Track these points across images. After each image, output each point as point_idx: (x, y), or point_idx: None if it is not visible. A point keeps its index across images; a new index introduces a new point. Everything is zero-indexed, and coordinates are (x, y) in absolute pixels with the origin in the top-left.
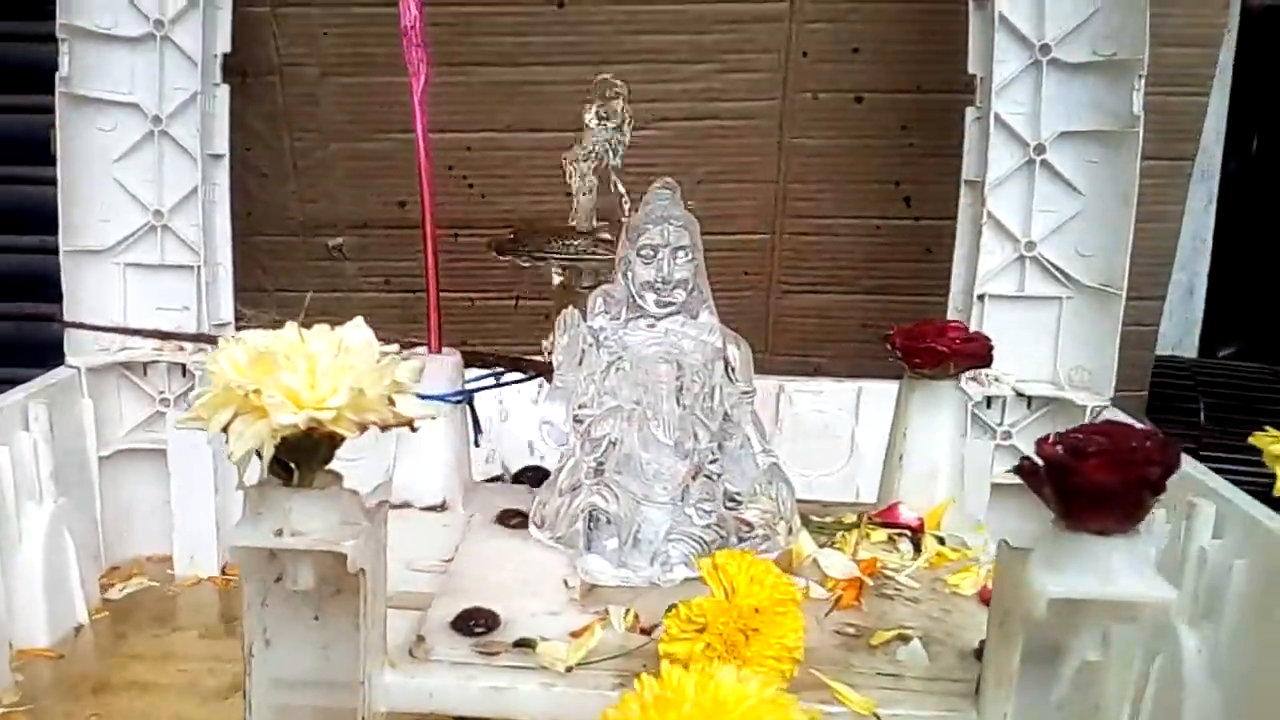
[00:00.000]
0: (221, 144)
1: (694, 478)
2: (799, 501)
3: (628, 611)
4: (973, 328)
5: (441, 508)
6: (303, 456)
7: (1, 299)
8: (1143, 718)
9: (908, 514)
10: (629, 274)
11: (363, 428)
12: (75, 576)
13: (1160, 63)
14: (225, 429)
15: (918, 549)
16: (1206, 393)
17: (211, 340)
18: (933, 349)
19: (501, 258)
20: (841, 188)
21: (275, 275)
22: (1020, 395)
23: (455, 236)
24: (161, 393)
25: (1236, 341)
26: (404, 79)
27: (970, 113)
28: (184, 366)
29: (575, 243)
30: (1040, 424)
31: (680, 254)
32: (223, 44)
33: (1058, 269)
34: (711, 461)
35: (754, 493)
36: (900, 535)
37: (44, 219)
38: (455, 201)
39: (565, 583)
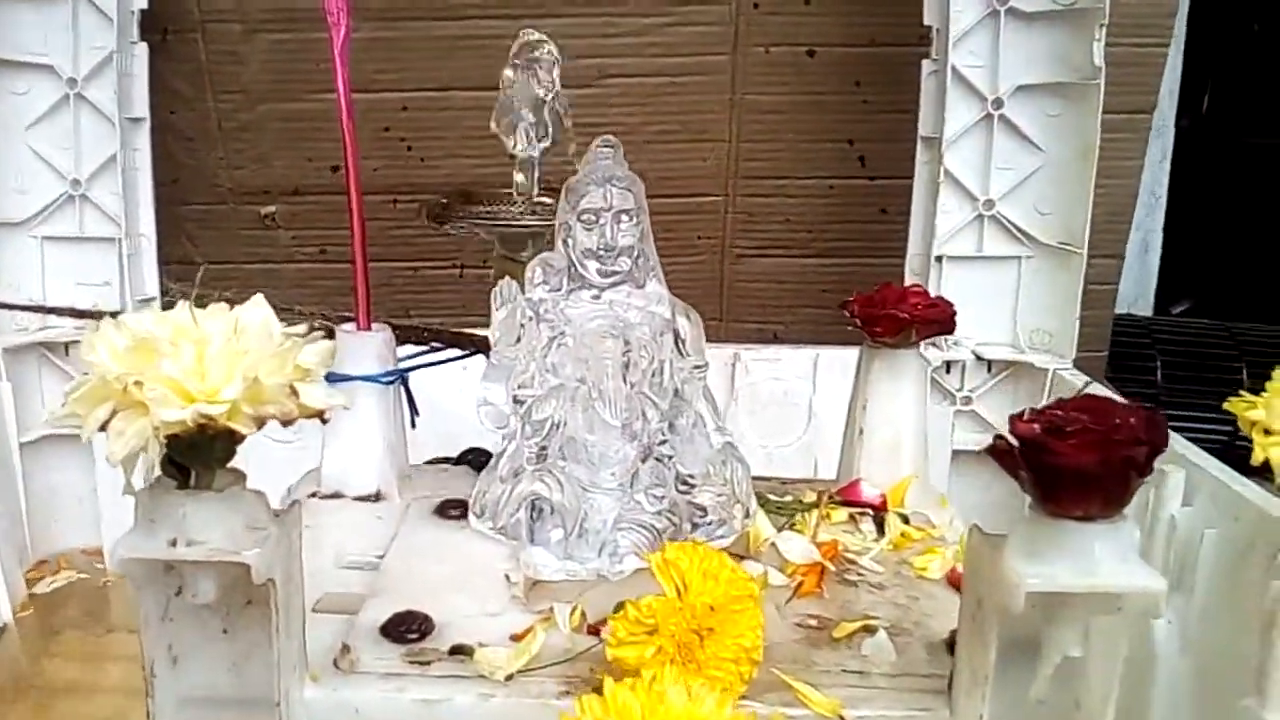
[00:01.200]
0: (141, 107)
1: (643, 461)
2: (756, 479)
3: (574, 609)
4: (931, 290)
5: (376, 498)
6: (198, 456)
7: None
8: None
9: (869, 491)
10: (569, 241)
11: (261, 422)
12: None
13: (1118, 12)
14: (104, 427)
15: (881, 529)
16: (1164, 351)
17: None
18: (893, 316)
19: (437, 225)
20: (795, 146)
21: (204, 246)
22: (980, 359)
23: (394, 202)
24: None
25: (1189, 298)
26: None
27: (926, 65)
28: None
29: (511, 208)
30: (1001, 388)
31: (624, 218)
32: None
33: (1017, 228)
34: (661, 443)
35: (708, 474)
36: (862, 514)
37: None
38: (393, 165)
39: (507, 578)
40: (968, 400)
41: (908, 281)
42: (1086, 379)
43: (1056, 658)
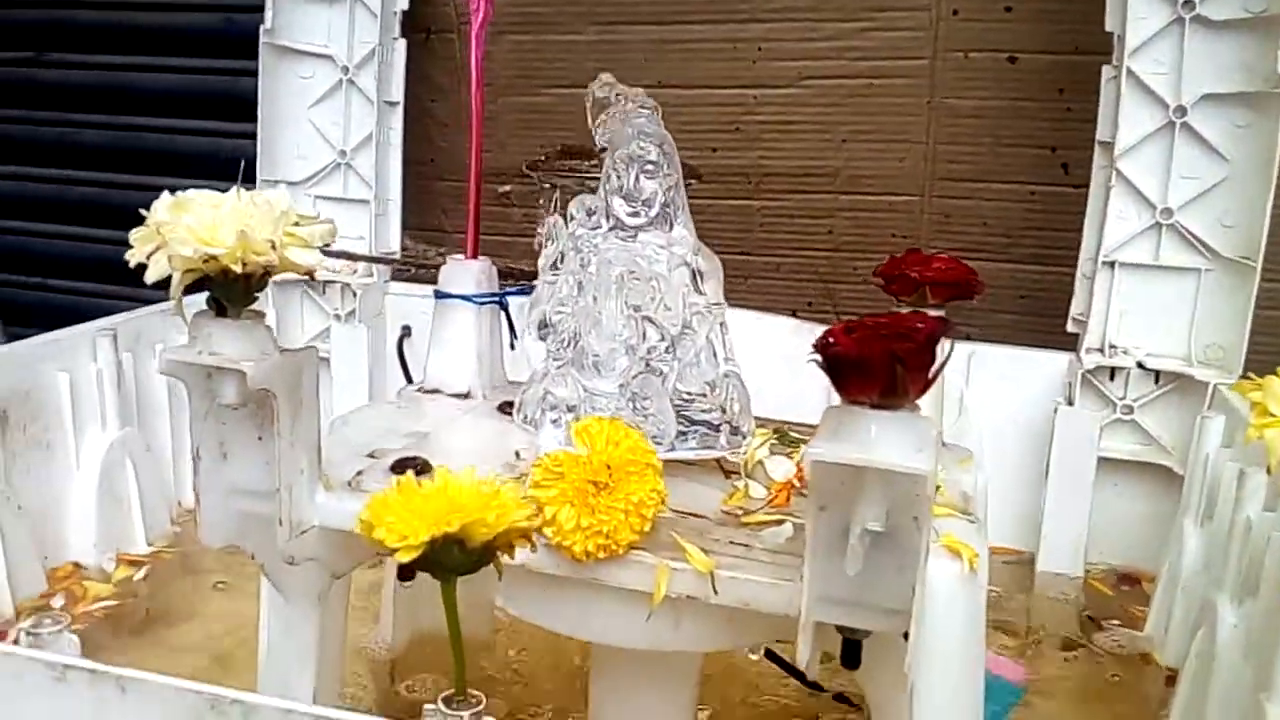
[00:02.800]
0: (397, 92)
1: (637, 373)
2: (791, 423)
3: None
4: (1100, 296)
5: (466, 396)
6: (227, 294)
7: None
8: (1179, 689)
9: None
10: (606, 185)
11: (254, 269)
12: None
13: None
14: (148, 258)
15: None
16: None
17: (388, 261)
18: (906, 276)
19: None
20: (994, 150)
21: (453, 217)
22: (1142, 368)
23: None
24: (336, 310)
25: None
26: (566, 37)
27: (1106, 71)
28: (350, 287)
29: (583, 162)
30: (1165, 400)
31: (649, 168)
32: (402, 1)
33: (1197, 239)
34: (658, 360)
35: (704, 394)
36: None
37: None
38: None
39: (517, 454)
40: (1129, 409)
41: (1077, 285)
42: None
43: (858, 529)
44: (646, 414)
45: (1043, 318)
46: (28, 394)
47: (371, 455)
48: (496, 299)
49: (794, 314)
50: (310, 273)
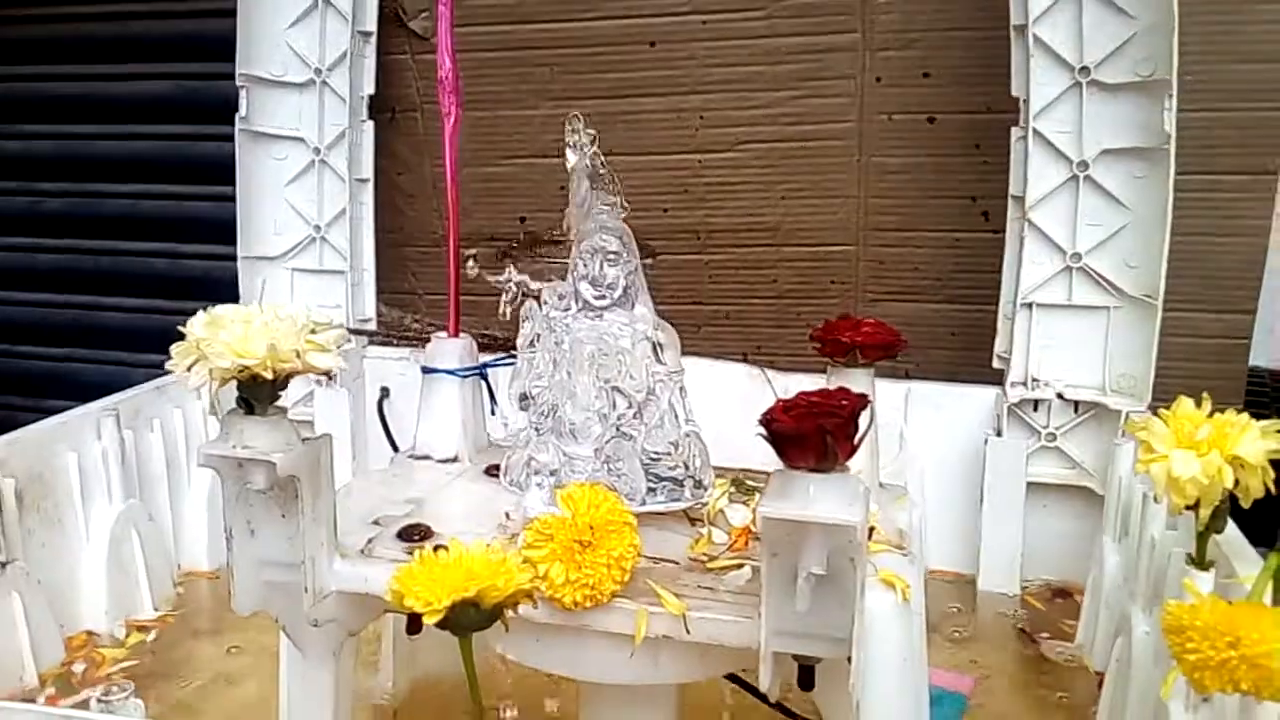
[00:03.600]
0: (367, 170)
1: (610, 439)
2: (746, 471)
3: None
4: (1020, 334)
5: (453, 460)
6: (256, 394)
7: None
8: (1104, 692)
9: None
10: (574, 272)
11: (279, 374)
12: None
13: (1234, 78)
14: (188, 369)
15: None
16: None
17: (361, 333)
18: (838, 340)
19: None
20: (921, 202)
21: (422, 280)
22: (1062, 398)
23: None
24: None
25: None
26: (524, 112)
27: (1015, 132)
28: None
29: (556, 248)
30: (1084, 427)
31: (611, 257)
32: (368, 86)
33: (1105, 280)
34: (628, 425)
35: (669, 453)
36: None
37: (214, 230)
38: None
39: (506, 515)
40: (1052, 437)
41: (1000, 325)
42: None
43: (804, 573)
44: (620, 474)
45: (973, 352)
46: (40, 475)
47: (376, 523)
48: (478, 371)
49: (744, 357)
50: (328, 373)
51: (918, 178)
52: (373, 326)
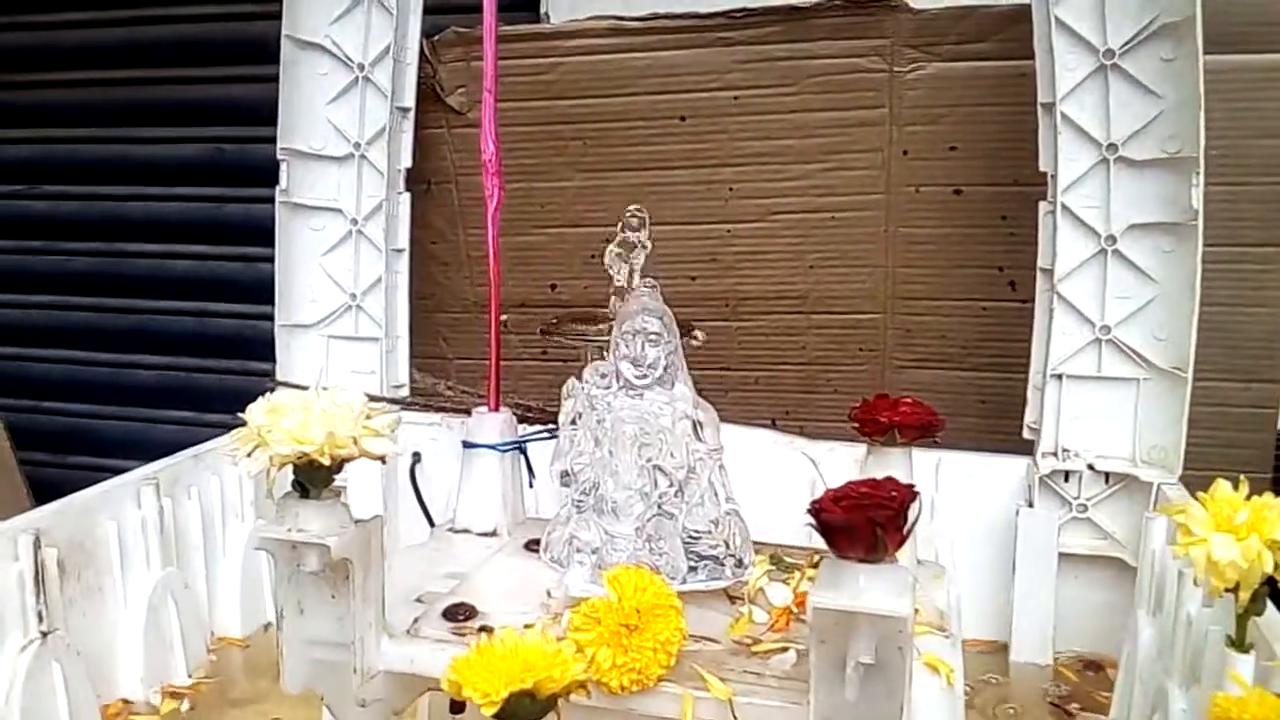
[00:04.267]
0: (403, 239)
1: (651, 517)
2: (783, 546)
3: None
4: (1050, 405)
5: (492, 534)
6: (311, 478)
7: (210, 356)
8: None
9: None
10: (615, 352)
11: (338, 459)
12: (268, 578)
13: (1257, 153)
14: (249, 455)
15: None
16: None
17: (394, 401)
18: (876, 420)
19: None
20: (948, 272)
21: (453, 345)
22: (1093, 469)
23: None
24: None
25: None
26: (556, 184)
27: (1043, 206)
28: None
29: (593, 327)
30: (1115, 498)
31: (652, 337)
32: (405, 160)
33: (1134, 352)
34: (668, 504)
35: (709, 532)
36: None
37: (242, 291)
38: (598, 286)
39: (548, 593)
40: (1084, 508)
41: (1030, 396)
42: (1182, 492)
43: (853, 663)
44: (661, 553)
45: (999, 420)
46: (81, 544)
47: (420, 600)
48: (517, 445)
49: (773, 422)
50: (382, 457)
51: (945, 248)
52: (405, 393)
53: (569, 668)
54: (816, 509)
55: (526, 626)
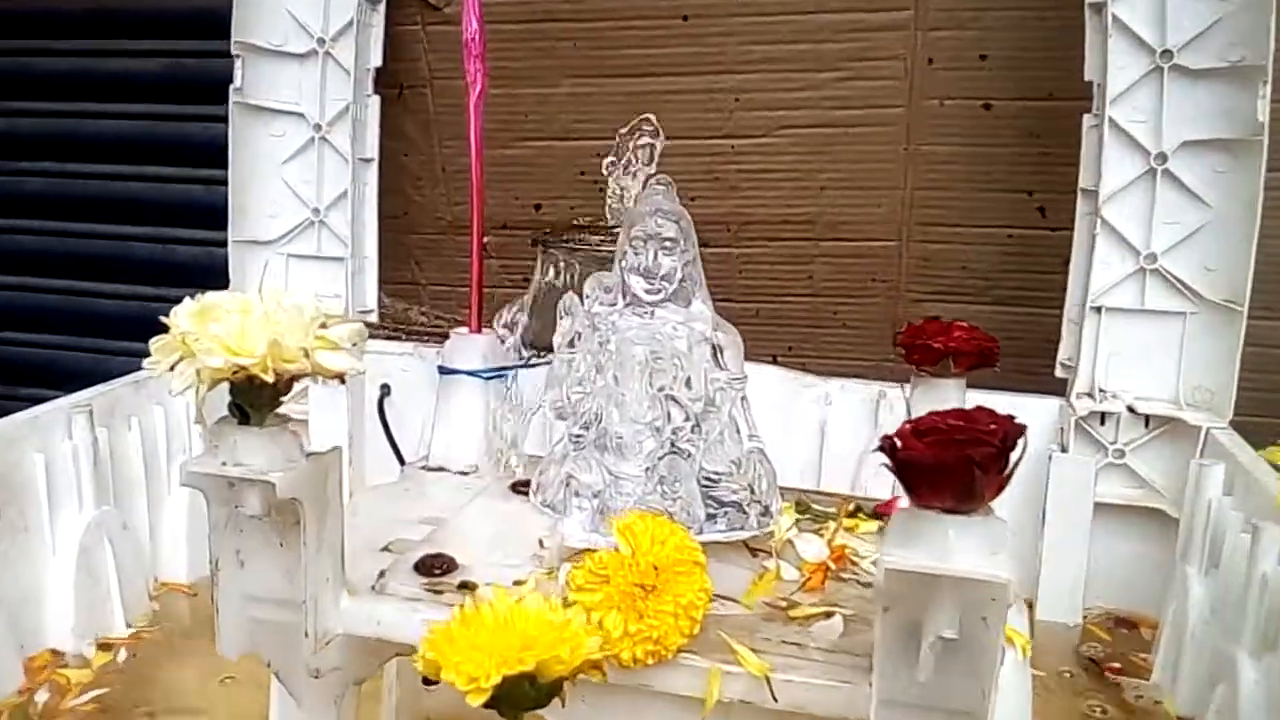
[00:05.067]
0: (371, 149)
1: (663, 455)
2: (810, 491)
3: (577, 569)
4: (1088, 341)
5: (473, 472)
6: (252, 401)
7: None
8: None
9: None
10: (623, 262)
11: (282, 377)
12: None
13: None
14: (171, 369)
15: None
16: None
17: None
18: (929, 346)
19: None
20: (971, 196)
21: (427, 269)
22: (1133, 412)
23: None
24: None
25: None
26: (542, 90)
27: (1087, 119)
28: None
29: (594, 238)
30: (1157, 443)
31: (668, 245)
32: (375, 59)
33: (1182, 283)
34: (685, 440)
35: (731, 473)
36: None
37: (213, 216)
38: (588, 204)
39: (540, 542)
40: (1120, 454)
41: (1064, 330)
42: (1234, 438)
43: (930, 637)
44: (674, 497)
45: (1022, 359)
46: (3, 477)
47: (388, 549)
48: (499, 373)
49: (774, 359)
50: (341, 376)
51: (969, 169)
52: (374, 318)
53: (581, 643)
54: (892, 444)
55: (516, 583)
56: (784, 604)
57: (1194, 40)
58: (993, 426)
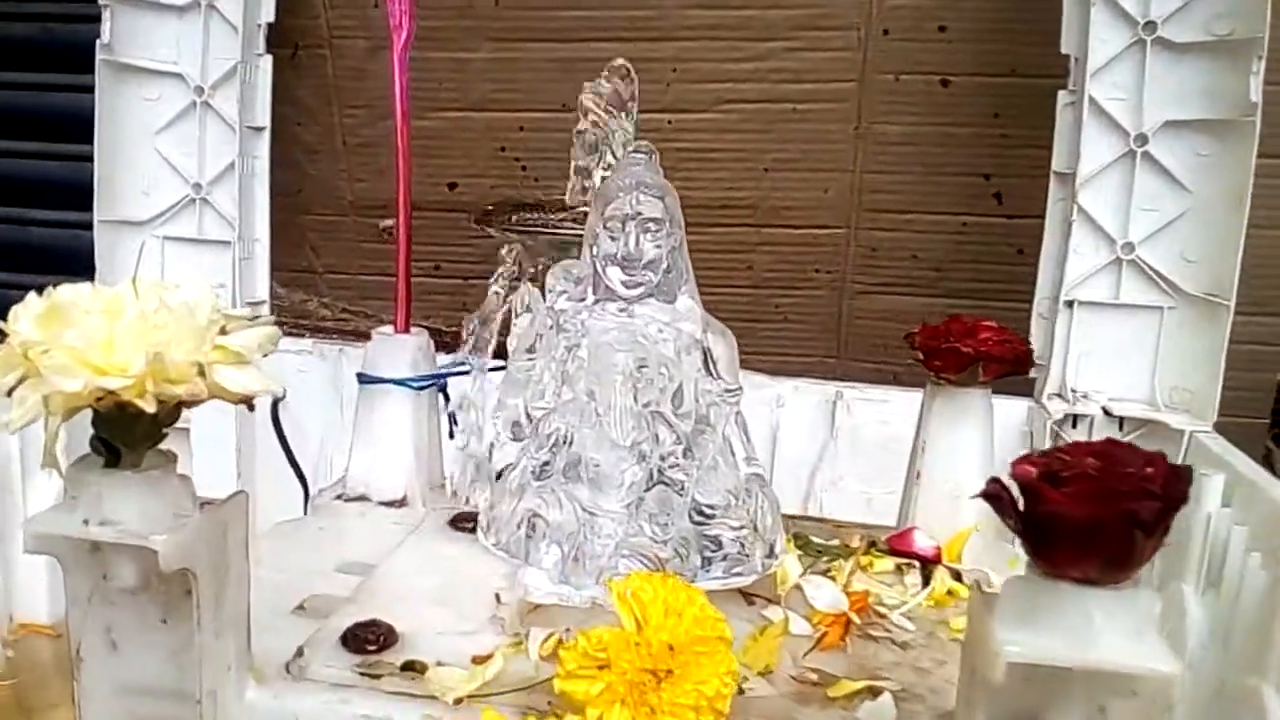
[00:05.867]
0: (263, 116)
1: (650, 486)
2: (804, 519)
3: (549, 636)
4: (1060, 336)
5: (400, 504)
6: (124, 435)
7: (34, 270)
8: None
9: (923, 541)
10: (595, 248)
11: (168, 404)
12: None
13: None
14: (9, 393)
15: (927, 583)
16: None
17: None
18: (956, 350)
19: (480, 228)
20: (924, 180)
21: (324, 255)
22: (1109, 415)
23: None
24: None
25: None
26: (459, 55)
27: (1062, 96)
28: None
29: (550, 216)
30: None
31: (652, 226)
32: (268, 13)
33: (1159, 275)
34: (673, 467)
35: (729, 506)
36: (910, 566)
37: (77, 195)
38: (508, 183)
39: (497, 597)
40: None
41: (1034, 326)
42: (1222, 442)
43: None
44: (665, 540)
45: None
46: None
47: (302, 609)
48: (436, 381)
49: None
50: (248, 401)
51: (924, 150)
52: (266, 311)
53: None
54: (1029, 490)
55: (476, 661)
56: (813, 677)
57: (1179, 11)
58: (1149, 470)
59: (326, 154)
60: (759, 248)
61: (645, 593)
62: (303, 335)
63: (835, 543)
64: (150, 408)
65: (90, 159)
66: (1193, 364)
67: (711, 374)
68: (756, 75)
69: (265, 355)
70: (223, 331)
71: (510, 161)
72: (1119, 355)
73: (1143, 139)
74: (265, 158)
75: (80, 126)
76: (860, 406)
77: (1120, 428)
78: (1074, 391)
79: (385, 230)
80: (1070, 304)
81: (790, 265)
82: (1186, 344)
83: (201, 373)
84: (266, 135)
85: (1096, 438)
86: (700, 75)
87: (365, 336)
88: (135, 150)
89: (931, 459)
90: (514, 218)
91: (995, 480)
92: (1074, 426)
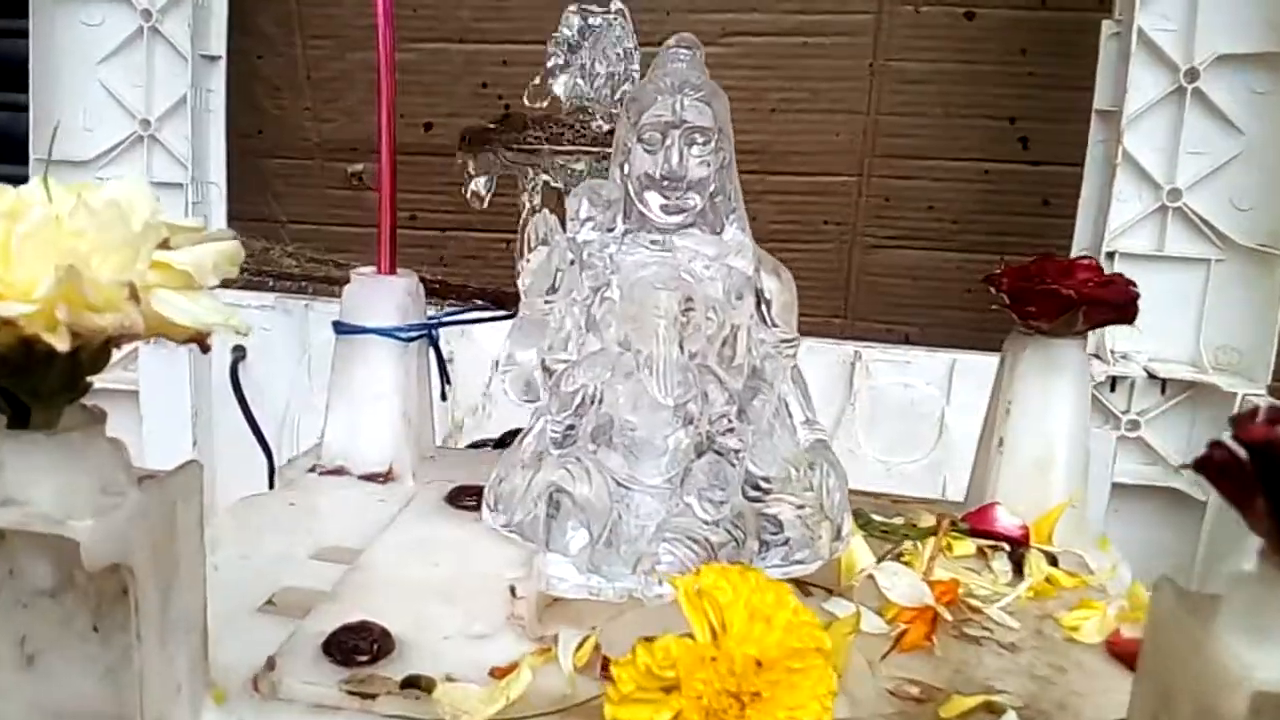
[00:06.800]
0: (218, 44)
1: (700, 454)
2: (860, 493)
3: (585, 641)
4: None
5: (385, 478)
6: (32, 384)
7: None
8: None
9: (1007, 519)
10: (626, 166)
11: (92, 338)
12: None
13: None
14: None
15: (1019, 570)
16: None
17: None
18: (1055, 293)
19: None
20: (944, 122)
21: (287, 202)
22: (1152, 377)
23: None
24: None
25: None
26: None
27: (1107, 27)
28: None
29: (561, 131)
30: (1175, 413)
31: (698, 138)
32: None
33: (1207, 224)
34: (727, 432)
35: (788, 479)
36: (995, 549)
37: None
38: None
39: (512, 590)
40: (1134, 425)
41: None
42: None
43: None
44: (717, 520)
45: (993, 314)
46: None
47: (271, 604)
48: (428, 331)
49: None
50: (201, 339)
51: (944, 90)
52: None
53: None
54: (1233, 461)
55: (496, 675)
56: (915, 690)
57: None
58: None
59: (289, 90)
60: (764, 197)
61: (724, 591)
62: (265, 288)
63: (899, 520)
64: (63, 344)
65: (17, 107)
66: (1242, 322)
67: (765, 321)
68: (764, 4)
69: (220, 281)
70: (165, 246)
71: (492, 100)
72: (1163, 312)
73: (1193, 74)
74: (221, 92)
75: (13, 72)
76: (880, 369)
77: (1162, 391)
78: (1113, 353)
79: (355, 175)
80: (1111, 255)
81: (797, 217)
82: (1236, 299)
83: (135, 297)
84: (222, 66)
85: (1136, 403)
86: (702, 4)
87: (336, 286)
88: (75, 82)
89: (1019, 422)
90: (522, 135)
91: (1218, 444)
92: (1112, 389)
